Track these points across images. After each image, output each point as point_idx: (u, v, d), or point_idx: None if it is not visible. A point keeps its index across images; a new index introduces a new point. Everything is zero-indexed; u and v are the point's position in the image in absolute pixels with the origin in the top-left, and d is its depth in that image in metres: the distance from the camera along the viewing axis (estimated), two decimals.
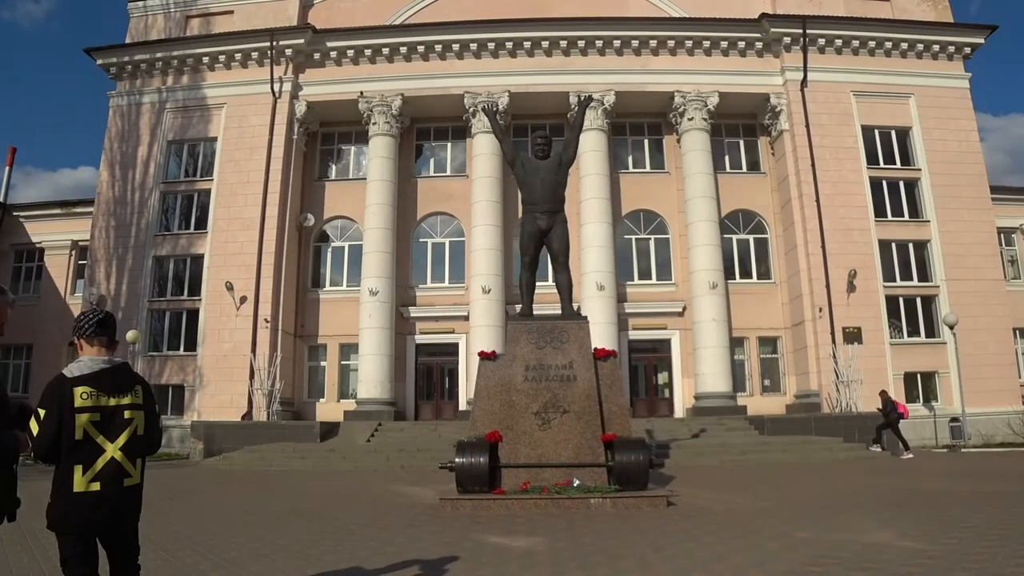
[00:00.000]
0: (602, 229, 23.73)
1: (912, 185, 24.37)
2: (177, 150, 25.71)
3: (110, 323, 3.23)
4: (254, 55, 25.12)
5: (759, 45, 24.96)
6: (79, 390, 2.91)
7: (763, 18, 24.38)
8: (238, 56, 25.19)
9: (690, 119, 24.58)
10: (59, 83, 78.97)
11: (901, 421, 17.95)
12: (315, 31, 24.91)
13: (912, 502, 8.85)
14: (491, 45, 24.90)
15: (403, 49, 25.06)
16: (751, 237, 25.55)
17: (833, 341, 22.22)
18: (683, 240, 24.68)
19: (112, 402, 2.97)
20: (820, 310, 22.54)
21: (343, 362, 25.00)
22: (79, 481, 2.85)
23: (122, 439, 2.96)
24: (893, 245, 23.77)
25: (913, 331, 23.44)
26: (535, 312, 10.86)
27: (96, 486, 2.87)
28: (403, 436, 20.47)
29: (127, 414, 3.01)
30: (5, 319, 3.08)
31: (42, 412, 2.86)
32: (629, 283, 24.87)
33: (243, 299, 23.17)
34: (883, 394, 18.70)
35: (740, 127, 26.48)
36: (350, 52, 25.17)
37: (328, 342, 24.99)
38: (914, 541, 6.16)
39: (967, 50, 25.23)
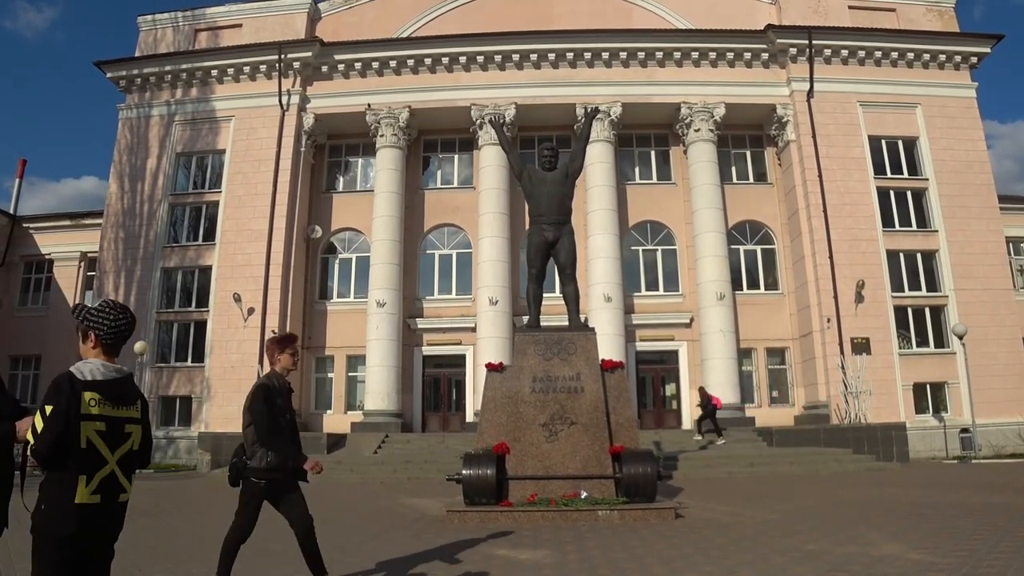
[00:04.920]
0: (609, 240, 23.73)
1: (920, 195, 24.30)
2: (186, 162, 25.89)
3: (130, 331, 2.99)
4: (262, 68, 25.32)
5: (765, 56, 25.01)
6: (88, 396, 2.74)
7: (769, 29, 24.42)
8: (246, 69, 25.37)
9: (696, 130, 24.60)
10: (61, 93, 79.67)
11: (717, 411, 19.25)
12: (323, 44, 25.09)
13: (922, 514, 8.78)
14: (498, 58, 25.04)
15: (410, 62, 25.21)
16: (758, 248, 25.51)
17: (841, 352, 22.12)
18: (690, 251, 24.66)
19: (118, 414, 2.85)
20: (828, 321, 22.45)
21: (350, 374, 24.99)
22: (82, 492, 2.70)
23: (121, 452, 2.84)
24: (901, 255, 23.68)
25: (922, 341, 23.31)
26: (542, 324, 10.85)
27: (96, 498, 2.74)
28: (410, 448, 20.46)
29: (128, 428, 2.89)
30: None
31: (48, 408, 2.66)
32: (636, 294, 24.83)
33: (251, 311, 23.24)
34: (701, 390, 20.08)
35: (747, 138, 26.48)
36: (357, 65, 25.32)
37: (335, 354, 25.00)
38: (925, 553, 6.11)
39: (973, 59, 25.21)
